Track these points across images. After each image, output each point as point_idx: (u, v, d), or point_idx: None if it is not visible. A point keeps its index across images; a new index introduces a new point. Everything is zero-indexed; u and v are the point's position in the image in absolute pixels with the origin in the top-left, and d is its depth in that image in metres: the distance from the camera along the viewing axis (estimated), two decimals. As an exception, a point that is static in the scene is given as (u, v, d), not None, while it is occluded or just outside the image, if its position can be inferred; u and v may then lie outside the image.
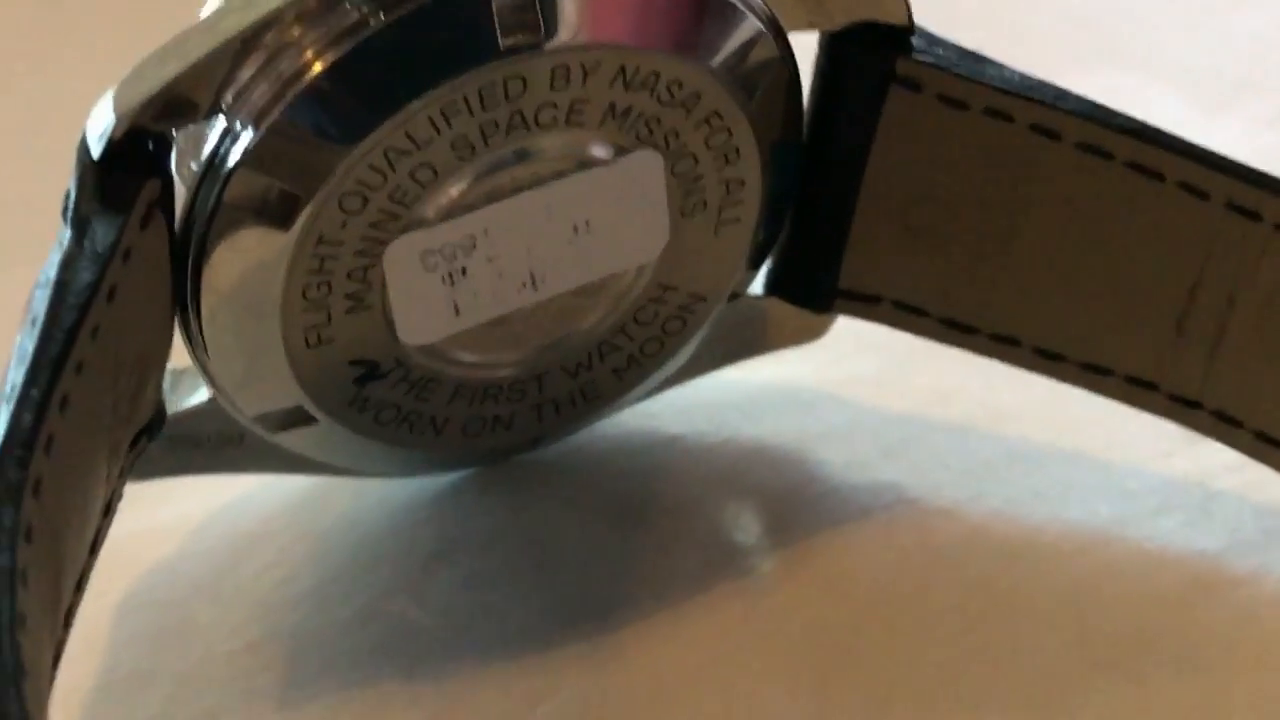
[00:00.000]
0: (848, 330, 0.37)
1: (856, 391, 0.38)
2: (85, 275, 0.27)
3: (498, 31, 0.29)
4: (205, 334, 0.31)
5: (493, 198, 0.31)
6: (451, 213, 0.31)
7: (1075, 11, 0.48)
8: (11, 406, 0.26)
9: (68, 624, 0.28)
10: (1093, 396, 0.35)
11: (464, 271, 0.31)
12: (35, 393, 0.26)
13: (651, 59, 0.31)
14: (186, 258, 0.30)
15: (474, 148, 0.30)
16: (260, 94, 0.29)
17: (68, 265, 0.27)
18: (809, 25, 0.33)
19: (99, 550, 0.30)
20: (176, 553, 0.35)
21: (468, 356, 0.33)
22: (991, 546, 0.35)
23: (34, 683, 0.25)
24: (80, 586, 0.29)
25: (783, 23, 0.32)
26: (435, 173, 0.30)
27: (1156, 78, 0.46)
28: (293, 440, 0.33)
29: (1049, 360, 0.35)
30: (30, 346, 0.26)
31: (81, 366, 0.27)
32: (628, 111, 0.31)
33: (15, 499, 0.25)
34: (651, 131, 0.31)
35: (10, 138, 0.44)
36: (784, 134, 0.33)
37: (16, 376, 0.26)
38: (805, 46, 0.33)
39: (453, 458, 0.35)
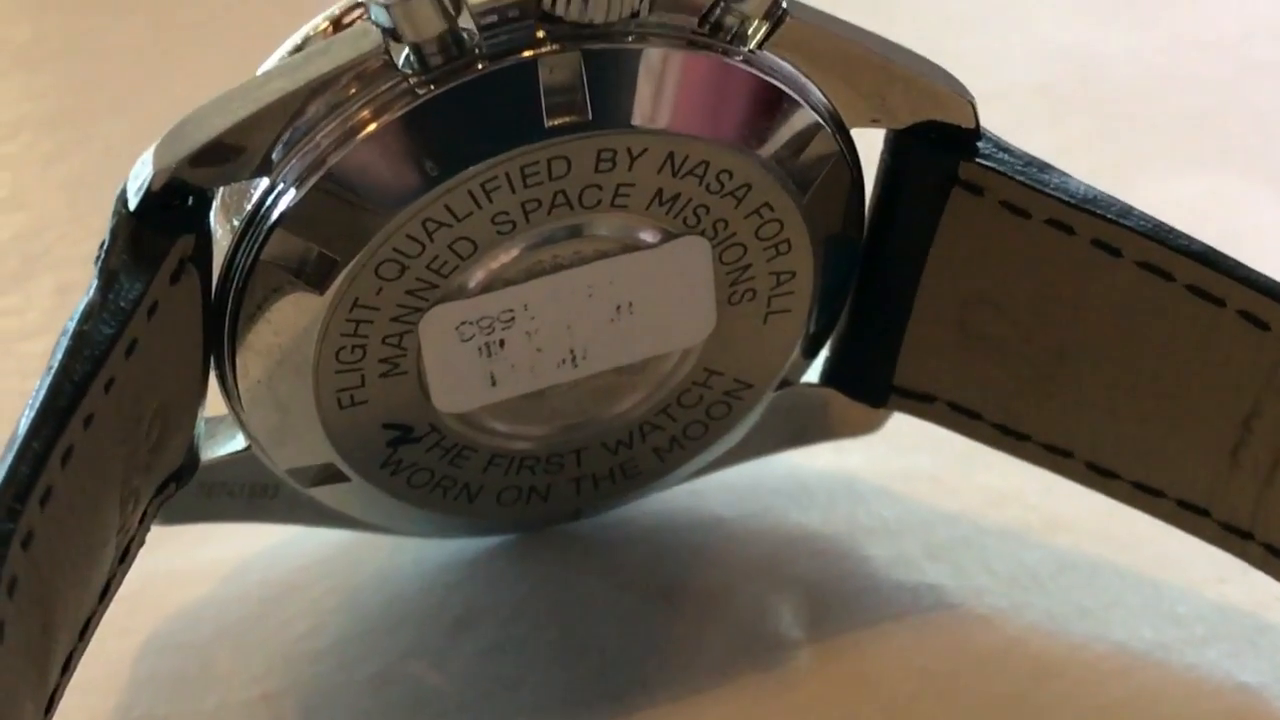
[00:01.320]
0: (911, 425, 0.37)
1: (912, 487, 0.37)
2: (105, 328, 0.27)
3: (544, 111, 0.29)
4: (240, 387, 0.31)
5: (533, 274, 0.31)
6: (490, 285, 0.31)
7: (1192, 109, 0.47)
8: (10, 457, 0.26)
9: (67, 670, 0.29)
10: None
11: (501, 344, 0.31)
12: (37, 445, 0.26)
13: (700, 148, 0.30)
14: (224, 310, 0.30)
15: (515, 224, 0.30)
16: (304, 156, 0.29)
17: (88, 317, 0.28)
18: (872, 122, 0.32)
19: (111, 595, 0.30)
20: (206, 597, 0.35)
21: (504, 427, 0.33)
22: (1028, 660, 0.34)
23: None
24: (84, 634, 0.29)
25: (845, 118, 0.32)
26: (475, 245, 0.30)
27: (1267, 182, 0.45)
28: (326, 496, 0.33)
29: (1101, 476, 0.34)
30: (39, 395, 0.27)
31: (91, 419, 0.27)
32: (675, 198, 0.31)
33: (0, 553, 0.25)
34: (699, 219, 0.31)
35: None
36: (841, 229, 0.32)
37: (23, 425, 0.26)
38: (874, 141, 0.33)
39: (489, 524, 0.35)
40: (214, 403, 0.32)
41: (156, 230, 0.29)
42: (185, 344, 0.30)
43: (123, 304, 0.28)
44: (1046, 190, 0.32)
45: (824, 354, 0.35)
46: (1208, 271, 0.32)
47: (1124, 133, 0.47)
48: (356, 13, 0.30)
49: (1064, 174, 0.32)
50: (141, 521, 0.30)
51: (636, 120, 0.30)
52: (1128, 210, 0.32)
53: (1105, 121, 0.47)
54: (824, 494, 0.37)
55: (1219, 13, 0.50)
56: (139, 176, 0.29)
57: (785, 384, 0.34)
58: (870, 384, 0.35)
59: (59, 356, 0.27)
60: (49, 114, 0.46)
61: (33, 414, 0.26)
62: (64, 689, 0.29)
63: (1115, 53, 0.48)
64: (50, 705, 0.28)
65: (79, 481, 0.27)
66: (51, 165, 0.44)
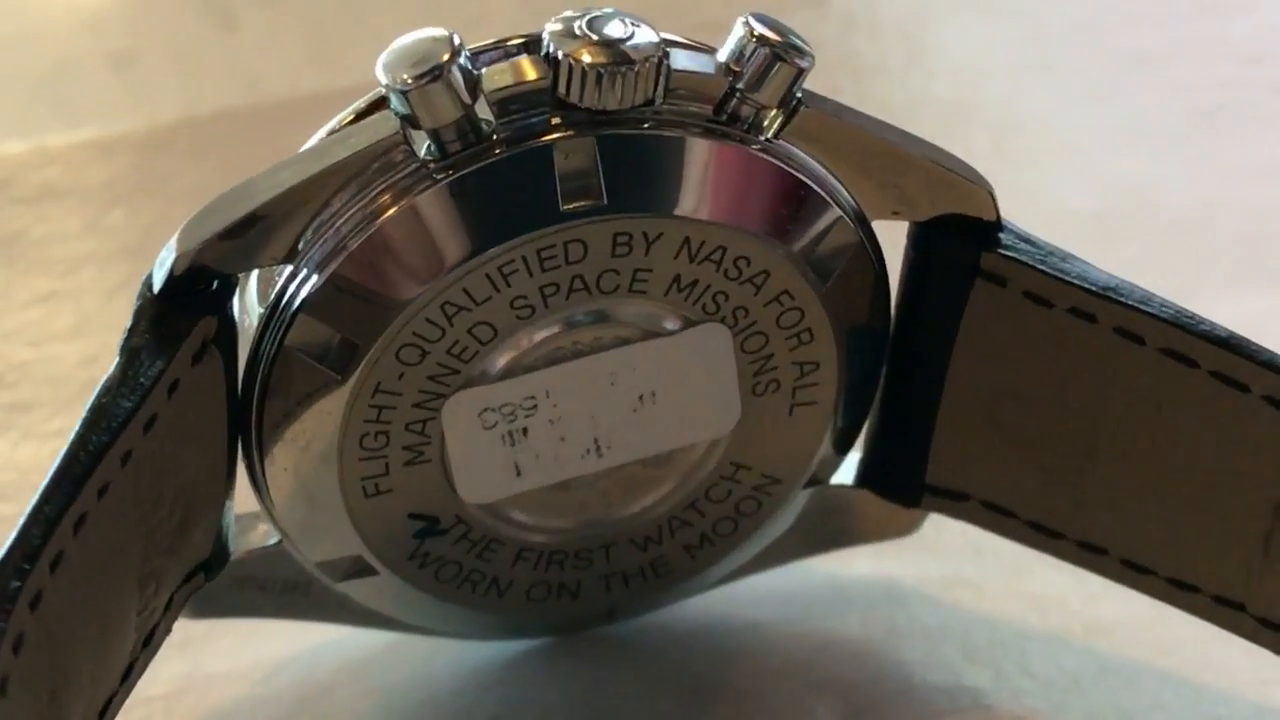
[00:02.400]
0: (952, 533, 0.37)
1: (954, 593, 0.37)
2: (123, 402, 0.28)
3: (559, 195, 0.30)
4: (268, 476, 0.32)
5: (554, 360, 0.31)
6: (511, 372, 0.31)
7: (1248, 234, 0.47)
8: (23, 520, 0.26)
9: (86, 747, 0.29)
10: (1195, 618, 0.34)
11: (525, 432, 0.32)
12: (49, 509, 0.26)
13: (717, 233, 0.31)
14: (251, 397, 0.31)
15: (534, 309, 0.31)
16: (325, 242, 0.30)
17: (108, 391, 0.28)
18: (893, 214, 0.32)
19: (134, 679, 0.30)
20: (242, 697, 0.35)
21: (530, 519, 0.33)
22: (1065, 763, 0.34)
23: None
24: (105, 713, 0.29)
25: (865, 210, 0.32)
26: (495, 330, 0.31)
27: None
28: (357, 591, 0.33)
29: (1136, 573, 0.34)
30: (55, 465, 0.27)
31: (106, 489, 0.28)
32: (693, 284, 0.31)
33: (6, 609, 0.25)
34: (719, 306, 0.31)
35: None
36: (866, 320, 0.33)
37: (37, 494, 0.27)
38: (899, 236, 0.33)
39: (522, 624, 0.35)
40: (247, 500, 0.33)
41: (179, 311, 0.29)
42: (208, 427, 0.30)
43: (142, 379, 0.28)
44: (1068, 279, 0.32)
45: (856, 455, 0.35)
46: (1231, 357, 0.32)
47: (1179, 258, 0.47)
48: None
49: (1086, 263, 0.33)
50: (168, 608, 0.31)
51: (652, 205, 0.30)
52: (1149, 297, 0.32)
53: (1160, 247, 0.47)
54: (862, 599, 0.37)
55: (1271, 143, 0.50)
56: (164, 260, 0.30)
57: (816, 482, 0.34)
58: (903, 483, 0.35)
59: (77, 429, 0.28)
60: (115, 250, 0.47)
61: (47, 482, 0.27)
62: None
63: (1170, 181, 0.49)
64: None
65: (92, 551, 0.27)
66: (115, 297, 0.45)
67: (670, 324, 0.31)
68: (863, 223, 0.32)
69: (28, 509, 0.27)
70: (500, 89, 0.30)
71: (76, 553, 0.27)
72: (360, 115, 0.31)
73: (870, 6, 0.55)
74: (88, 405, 0.28)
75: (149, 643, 0.30)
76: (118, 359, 0.29)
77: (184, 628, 0.32)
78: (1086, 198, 0.48)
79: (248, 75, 0.53)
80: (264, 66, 0.54)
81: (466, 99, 0.29)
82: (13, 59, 0.54)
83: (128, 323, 0.29)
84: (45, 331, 0.44)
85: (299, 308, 0.30)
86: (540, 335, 0.31)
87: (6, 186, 0.47)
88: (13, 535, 0.26)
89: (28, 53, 0.54)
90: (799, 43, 0.30)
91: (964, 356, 0.33)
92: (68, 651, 0.27)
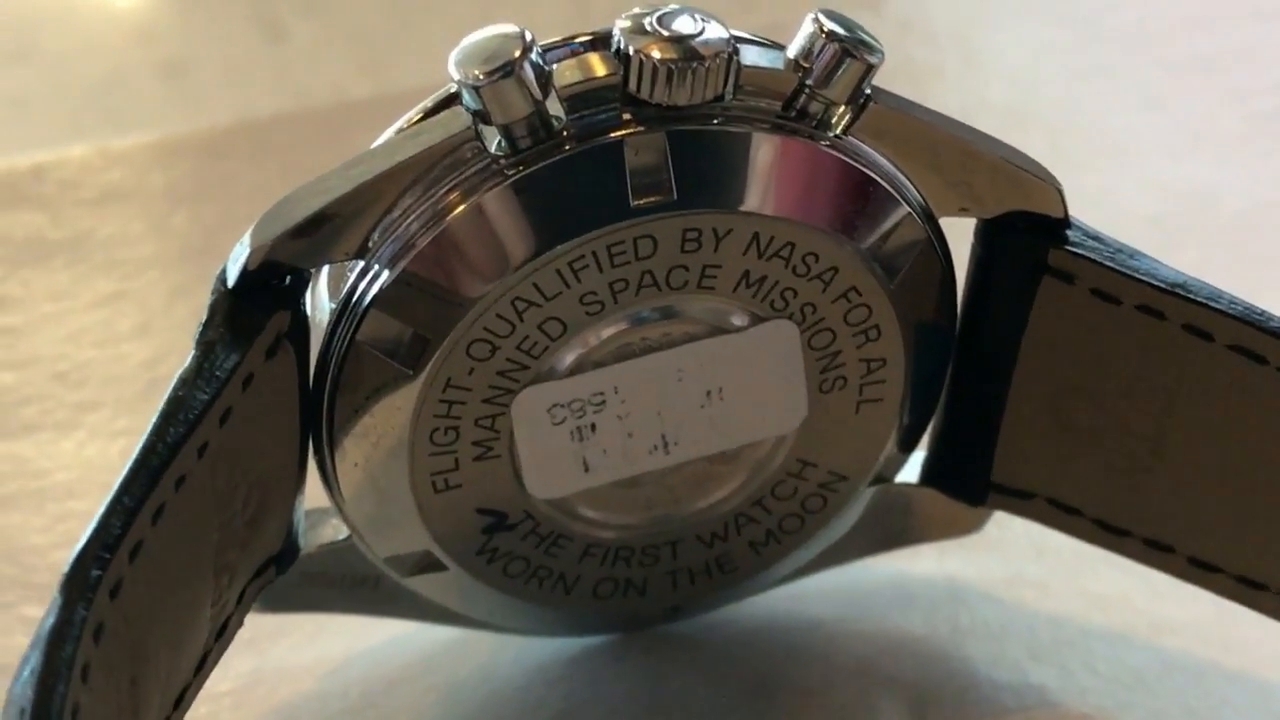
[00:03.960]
0: (1015, 532, 0.37)
1: (1018, 593, 0.37)
2: (200, 394, 0.28)
3: (629, 191, 0.30)
4: (338, 471, 0.32)
5: (623, 356, 0.31)
6: (580, 367, 0.31)
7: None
8: (102, 511, 0.27)
9: (162, 737, 0.29)
10: (1262, 617, 0.34)
11: (593, 428, 0.32)
12: (128, 499, 0.27)
13: (786, 229, 0.31)
14: (323, 393, 0.31)
15: (603, 304, 0.31)
16: (396, 238, 0.30)
17: (184, 383, 0.28)
18: (961, 211, 0.32)
19: (207, 670, 0.30)
20: (313, 690, 0.35)
21: (598, 515, 0.33)
22: (1132, 758, 0.34)
23: None
24: (179, 704, 0.29)
25: (933, 207, 0.32)
26: (565, 326, 0.31)
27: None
28: (424, 586, 0.34)
29: (1204, 571, 0.34)
30: (133, 456, 0.27)
31: (183, 481, 0.28)
32: (762, 280, 0.31)
33: (88, 598, 0.25)
34: (787, 302, 0.31)
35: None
36: (932, 317, 0.33)
37: (116, 485, 0.27)
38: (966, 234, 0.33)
39: (588, 620, 0.35)
40: (317, 497, 0.33)
41: (253, 306, 0.29)
42: (281, 421, 0.30)
43: (218, 372, 0.28)
44: (1137, 276, 0.32)
45: (921, 453, 0.35)
46: (1300, 352, 0.32)
47: (1239, 261, 0.47)
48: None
49: (1154, 260, 0.33)
50: (240, 601, 0.31)
51: (721, 201, 0.30)
52: (1218, 294, 0.32)
53: (1220, 250, 0.47)
54: (926, 598, 0.37)
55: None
56: (238, 256, 0.30)
57: (881, 480, 0.34)
58: (969, 481, 0.35)
59: (154, 420, 0.28)
60: (179, 252, 0.47)
61: (125, 473, 0.27)
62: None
63: (1229, 184, 0.49)
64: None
65: (170, 541, 0.28)
66: (176, 299, 0.45)
67: (738, 320, 0.32)
68: (930, 219, 0.32)
69: (107, 499, 0.27)
70: (570, 85, 0.30)
71: (155, 543, 0.27)
72: (429, 113, 0.31)
73: (925, 11, 0.56)
74: (164, 397, 0.28)
75: (222, 635, 0.31)
76: (193, 352, 0.29)
77: (251, 624, 0.32)
78: (1145, 201, 0.48)
79: (296, 85, 0.54)
80: (312, 76, 0.54)
81: (538, 95, 0.30)
82: (64, 70, 0.54)
83: (202, 316, 0.30)
84: (110, 332, 0.44)
85: (371, 303, 0.30)
86: (609, 331, 0.31)
87: (72, 189, 0.48)
88: (92, 525, 0.26)
89: (79, 64, 0.54)
90: (868, 39, 0.31)
91: (1031, 354, 0.33)
92: (146, 641, 0.27)
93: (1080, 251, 0.32)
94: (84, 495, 0.40)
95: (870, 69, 0.30)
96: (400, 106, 0.31)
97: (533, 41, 0.30)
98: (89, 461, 0.40)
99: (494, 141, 0.30)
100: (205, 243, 0.48)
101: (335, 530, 0.33)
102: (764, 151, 0.30)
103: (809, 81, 0.31)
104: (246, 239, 0.30)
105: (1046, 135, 0.50)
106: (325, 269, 0.31)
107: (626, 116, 0.30)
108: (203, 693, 0.31)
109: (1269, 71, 0.51)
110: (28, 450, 0.41)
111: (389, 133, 0.31)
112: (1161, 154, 0.50)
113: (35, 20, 0.56)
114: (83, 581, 0.26)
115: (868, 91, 0.31)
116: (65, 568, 0.26)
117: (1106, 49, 0.53)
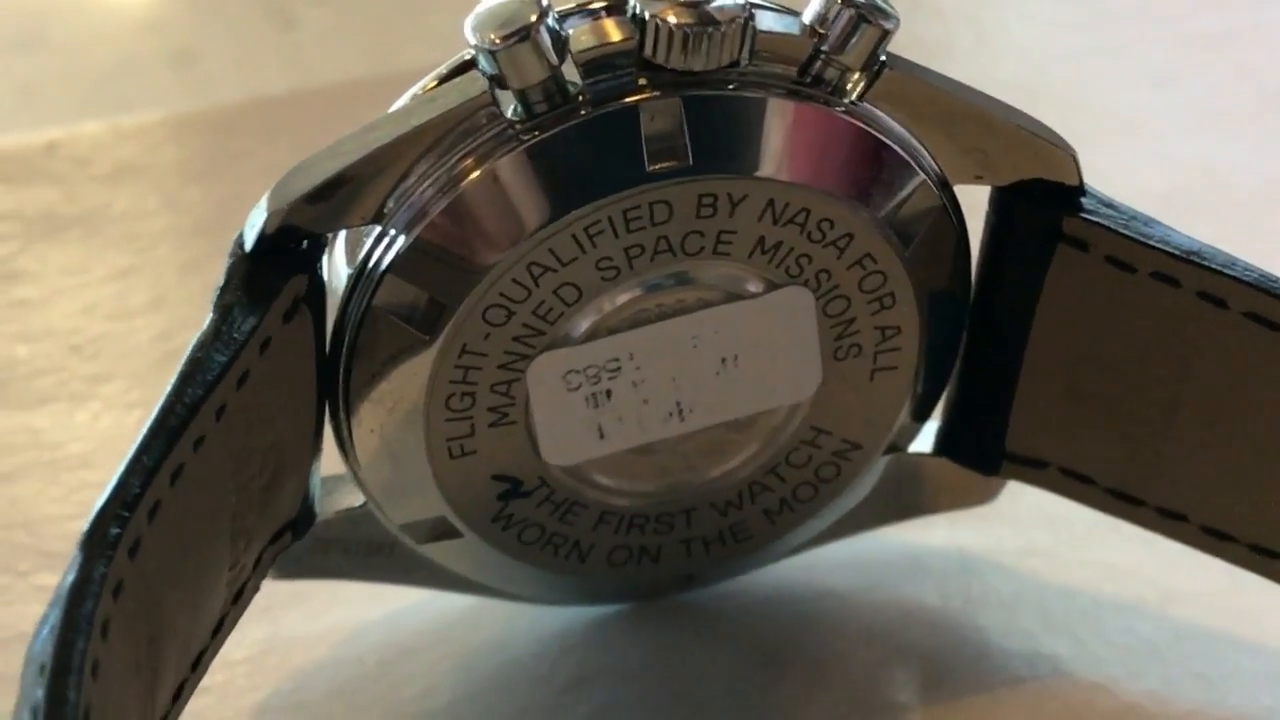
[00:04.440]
0: (1027, 503, 0.37)
1: (1029, 562, 0.37)
2: (218, 356, 0.28)
3: (645, 156, 0.30)
4: (354, 437, 0.32)
5: (638, 322, 0.31)
6: (596, 334, 0.31)
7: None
8: (121, 470, 0.27)
9: (178, 698, 0.29)
10: (1275, 585, 0.34)
11: (608, 395, 0.32)
12: (147, 459, 0.27)
13: (801, 195, 0.31)
14: (339, 359, 0.31)
15: (619, 270, 0.31)
16: (412, 203, 0.30)
17: (202, 345, 0.28)
18: (975, 179, 0.32)
19: (224, 634, 0.31)
20: (323, 659, 0.35)
21: (613, 482, 0.33)
22: (1144, 724, 0.34)
23: None
24: (196, 666, 0.30)
25: (947, 174, 0.32)
26: (580, 291, 0.31)
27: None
28: (439, 553, 0.34)
29: (1217, 539, 0.34)
30: (151, 417, 0.27)
31: (201, 442, 0.28)
32: (777, 246, 0.31)
33: (107, 555, 0.26)
34: (802, 269, 0.32)
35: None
36: (947, 285, 0.33)
37: (134, 445, 0.27)
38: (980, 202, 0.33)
39: (603, 589, 0.35)
40: (333, 464, 0.33)
41: (270, 269, 0.30)
42: (298, 385, 0.30)
43: (236, 335, 0.29)
44: (1151, 243, 0.32)
45: (935, 422, 0.35)
46: (1315, 320, 0.32)
47: (1250, 237, 0.46)
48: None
49: (1168, 227, 0.33)
50: (257, 566, 0.31)
51: (737, 166, 0.30)
52: (1233, 261, 0.32)
53: (1231, 226, 0.47)
54: (938, 569, 0.37)
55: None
56: (255, 220, 0.30)
57: (895, 449, 0.35)
58: (982, 451, 0.35)
59: (173, 382, 0.28)
60: (191, 226, 0.47)
61: (144, 434, 0.27)
62: (176, 718, 0.29)
63: (1239, 161, 0.49)
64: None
65: (188, 501, 0.28)
66: (188, 274, 0.46)
67: (753, 287, 0.32)
68: (945, 187, 0.32)
69: (126, 458, 0.27)
70: (586, 50, 0.30)
71: (173, 503, 0.27)
72: (444, 80, 0.31)
73: (934, -11, 0.56)
74: (182, 359, 0.28)
75: (239, 599, 0.31)
76: (211, 316, 0.29)
77: (266, 592, 0.33)
78: (1156, 178, 0.48)
79: (306, 72, 0.54)
80: (322, 64, 0.54)
81: (554, 60, 0.30)
82: (76, 58, 0.54)
83: (219, 280, 0.30)
84: (124, 305, 0.44)
85: (387, 269, 0.30)
86: (624, 297, 0.31)
87: (85, 165, 0.48)
88: (111, 484, 0.27)
89: (91, 53, 0.55)
90: (883, 4, 0.31)
91: (1045, 322, 0.33)
92: (164, 601, 0.27)
93: (1095, 219, 0.32)
94: (97, 466, 0.40)
95: (886, 34, 0.31)
96: (417, 81, 0.31)
97: (549, 6, 0.30)
98: (103, 433, 0.41)
99: (510, 107, 0.30)
100: (217, 218, 0.48)
101: (351, 497, 0.34)
102: (779, 117, 0.31)
103: (824, 47, 0.31)
104: (264, 203, 0.30)
105: (1057, 113, 0.50)
106: (342, 235, 0.31)
107: (642, 82, 0.30)
108: (217, 660, 0.31)
109: (1278, 50, 0.52)
110: (42, 422, 0.41)
111: (405, 98, 0.31)
112: (1172, 131, 0.50)
113: (47, 10, 0.56)
114: (102, 539, 0.26)
115: (883, 58, 0.31)
116: (85, 525, 0.26)
117: (1117, 26, 0.53)
